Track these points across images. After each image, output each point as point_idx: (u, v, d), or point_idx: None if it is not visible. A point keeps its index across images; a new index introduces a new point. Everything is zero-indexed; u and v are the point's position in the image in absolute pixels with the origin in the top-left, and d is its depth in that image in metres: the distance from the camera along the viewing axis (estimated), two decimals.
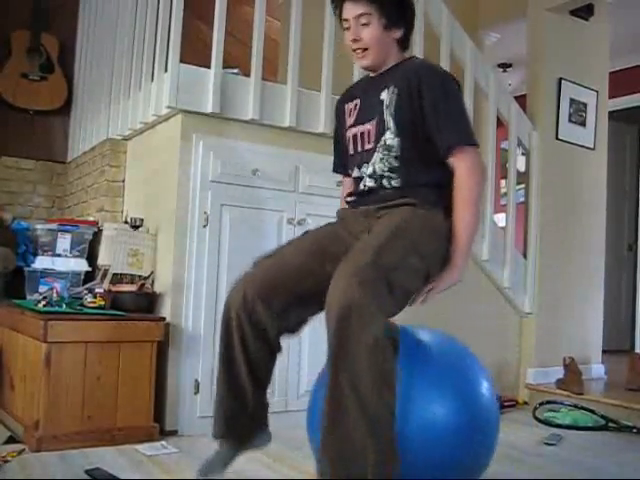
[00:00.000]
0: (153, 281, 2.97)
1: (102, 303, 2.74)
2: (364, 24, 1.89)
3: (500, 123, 3.93)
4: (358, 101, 2.02)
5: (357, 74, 3.33)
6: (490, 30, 4.94)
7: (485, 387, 1.84)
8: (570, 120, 4.13)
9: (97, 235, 3.38)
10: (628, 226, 6.16)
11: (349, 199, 2.06)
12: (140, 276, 2.94)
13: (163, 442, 2.62)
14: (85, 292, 2.84)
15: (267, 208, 3.02)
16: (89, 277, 3.26)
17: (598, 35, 4.30)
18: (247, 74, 3.05)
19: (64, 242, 3.33)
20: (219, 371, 1.85)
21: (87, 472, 2.19)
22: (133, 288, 2.87)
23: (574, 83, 4.13)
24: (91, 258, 3.33)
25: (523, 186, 4.11)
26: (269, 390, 1.93)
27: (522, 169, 4.23)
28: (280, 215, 3.06)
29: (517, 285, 3.87)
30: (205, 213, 2.87)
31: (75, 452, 2.43)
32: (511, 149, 3.98)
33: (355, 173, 2.00)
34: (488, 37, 5.03)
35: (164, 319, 2.79)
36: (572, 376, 3.62)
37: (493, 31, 4.96)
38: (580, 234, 4.15)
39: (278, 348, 1.86)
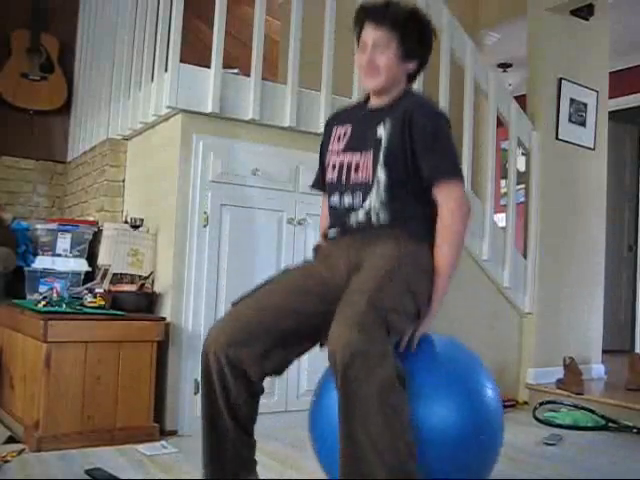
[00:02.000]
0: (153, 281, 2.97)
1: (102, 303, 2.74)
2: (382, 49, 1.86)
3: (500, 123, 3.92)
4: (349, 128, 1.96)
5: (357, 74, 3.34)
6: (490, 30, 4.94)
7: (490, 392, 1.83)
8: (570, 120, 4.12)
9: (97, 235, 3.38)
10: (628, 226, 6.15)
11: (330, 233, 1.96)
12: (140, 276, 2.94)
13: (163, 442, 2.62)
14: (85, 292, 2.84)
15: (267, 208, 3.02)
16: (89, 277, 3.26)
17: (598, 35, 4.30)
18: (247, 74, 3.05)
19: (64, 242, 3.33)
20: (202, 409, 1.77)
21: (87, 472, 2.19)
22: (133, 288, 2.87)
23: (574, 83, 4.12)
24: (91, 258, 3.33)
25: (523, 186, 4.11)
26: (266, 399, 1.90)
27: (522, 169, 4.23)
28: (280, 215, 3.06)
29: (517, 285, 3.86)
30: (205, 213, 2.87)
31: (75, 452, 2.43)
32: (511, 149, 3.98)
33: (335, 202, 1.93)
34: (488, 37, 5.02)
35: (164, 319, 2.79)
36: (572, 376, 3.62)
37: (493, 31, 4.96)
38: (580, 234, 4.14)
39: (261, 390, 1.79)
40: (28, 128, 4.32)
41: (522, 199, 4.13)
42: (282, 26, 4.66)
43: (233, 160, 2.95)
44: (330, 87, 3.23)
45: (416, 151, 1.81)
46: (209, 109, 2.89)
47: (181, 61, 2.86)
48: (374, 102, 1.96)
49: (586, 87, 4.20)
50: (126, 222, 3.11)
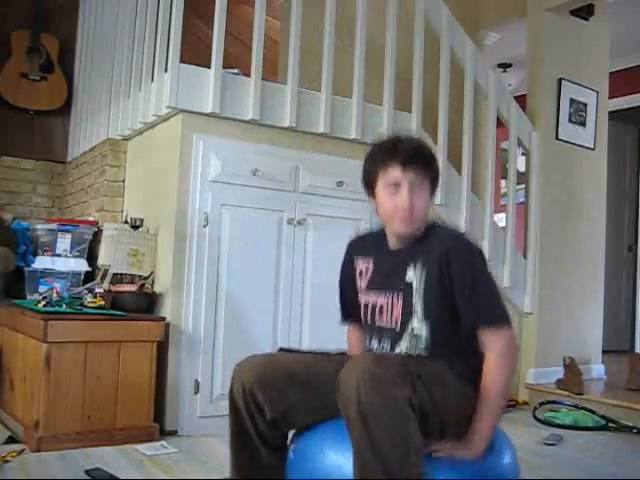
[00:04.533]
0: (153, 281, 2.97)
1: (102, 303, 2.74)
2: (418, 192, 1.68)
3: (500, 123, 3.92)
4: (371, 263, 1.81)
5: (357, 74, 3.34)
6: (490, 30, 4.93)
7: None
8: (570, 120, 4.12)
9: (97, 235, 3.38)
10: (628, 226, 6.15)
11: None
12: (140, 276, 2.94)
13: (163, 442, 2.62)
14: (85, 292, 2.84)
15: (267, 208, 3.02)
16: (89, 277, 3.26)
17: (598, 35, 4.30)
18: (247, 74, 3.05)
19: (64, 242, 3.33)
20: (230, 434, 1.72)
21: (87, 472, 2.19)
22: (133, 288, 2.87)
23: (574, 83, 4.13)
24: (91, 258, 3.33)
25: (523, 186, 4.11)
26: None
27: (522, 169, 4.23)
28: (280, 215, 3.06)
29: (517, 285, 3.86)
30: (205, 213, 2.87)
31: (75, 452, 2.43)
32: (511, 149, 3.98)
33: (368, 343, 1.81)
34: (488, 37, 5.02)
35: (164, 319, 2.79)
36: (572, 376, 3.62)
37: (493, 31, 4.96)
38: (580, 234, 4.14)
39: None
40: (28, 128, 4.32)
41: (522, 199, 4.13)
42: (282, 26, 4.66)
43: (233, 160, 2.95)
44: (330, 87, 3.23)
45: (455, 291, 1.64)
46: (209, 109, 2.89)
47: (181, 61, 2.86)
48: (391, 240, 1.79)
49: (586, 87, 4.20)
50: (126, 222, 3.11)
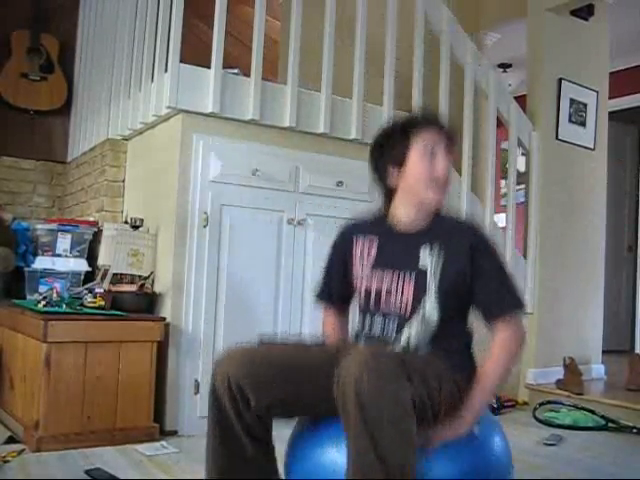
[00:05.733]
0: (153, 281, 2.97)
1: (102, 303, 2.74)
2: (450, 161, 1.70)
3: (500, 123, 3.92)
4: (375, 242, 1.76)
5: (357, 75, 3.34)
6: (490, 30, 4.93)
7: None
8: (570, 120, 4.12)
9: (97, 235, 3.38)
10: (628, 226, 6.15)
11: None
12: (140, 276, 2.94)
13: (163, 442, 2.62)
14: (85, 292, 2.84)
15: (267, 208, 3.02)
16: (89, 277, 3.26)
17: (598, 35, 4.30)
18: (247, 74, 3.05)
19: (64, 242, 3.33)
20: (211, 433, 1.65)
21: (87, 472, 2.19)
22: (133, 288, 2.87)
23: (574, 83, 4.12)
24: (91, 258, 3.33)
25: (523, 186, 4.11)
26: None
27: (522, 169, 4.23)
28: (280, 215, 3.06)
29: (517, 285, 3.86)
30: (205, 213, 2.87)
31: (75, 452, 2.43)
32: (511, 149, 3.98)
33: (367, 327, 1.74)
34: (488, 37, 5.02)
35: (164, 319, 2.79)
36: (572, 376, 3.62)
37: (493, 31, 4.96)
38: (580, 234, 4.14)
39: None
40: (28, 128, 4.32)
41: (522, 199, 4.13)
42: (282, 26, 4.66)
43: (233, 160, 2.95)
44: (330, 87, 3.23)
45: (474, 276, 1.67)
46: (209, 109, 2.89)
47: (181, 61, 2.86)
48: (403, 223, 1.74)
49: (586, 87, 4.20)
50: (126, 222, 3.11)
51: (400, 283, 1.69)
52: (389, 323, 1.70)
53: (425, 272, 1.67)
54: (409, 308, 1.67)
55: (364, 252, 1.77)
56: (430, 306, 1.66)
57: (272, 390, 1.62)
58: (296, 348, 1.75)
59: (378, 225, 1.79)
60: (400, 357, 1.53)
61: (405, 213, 1.73)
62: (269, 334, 1.80)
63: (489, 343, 1.71)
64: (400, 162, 1.70)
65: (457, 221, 1.77)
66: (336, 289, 1.87)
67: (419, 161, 1.68)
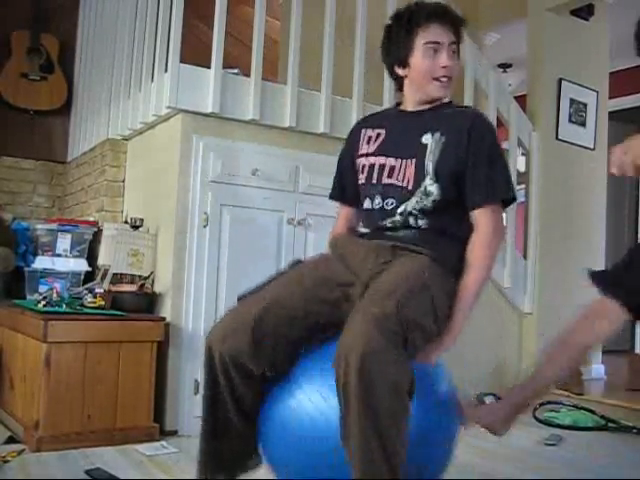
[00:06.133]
0: (153, 281, 2.97)
1: (102, 303, 2.74)
2: (455, 55, 1.76)
3: (500, 123, 3.92)
4: (383, 131, 1.85)
5: (357, 74, 3.34)
6: (490, 30, 4.94)
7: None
8: (570, 120, 4.13)
9: (97, 235, 3.38)
10: (628, 226, 6.16)
11: (362, 231, 1.91)
12: (140, 276, 2.94)
13: (163, 442, 2.62)
14: (85, 292, 2.84)
15: (267, 208, 3.02)
16: (89, 277, 3.26)
17: (598, 35, 4.30)
18: (247, 74, 3.05)
19: (64, 242, 3.33)
20: (204, 409, 1.72)
21: (87, 472, 2.19)
22: (133, 288, 2.87)
23: (574, 83, 4.13)
24: (91, 258, 3.33)
25: (523, 186, 4.11)
26: None
27: (522, 169, 4.23)
28: (280, 215, 3.06)
29: (517, 285, 3.86)
30: (205, 213, 2.87)
31: (75, 452, 2.43)
32: (511, 149, 3.98)
33: (367, 204, 1.83)
34: (488, 37, 5.03)
35: (164, 319, 2.79)
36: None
37: (493, 31, 4.97)
38: (580, 234, 4.15)
39: (266, 384, 1.72)
40: (28, 128, 4.32)
41: (522, 199, 4.13)
42: (282, 26, 4.66)
43: (233, 160, 2.95)
44: (330, 87, 3.23)
45: (469, 164, 1.71)
46: (209, 109, 2.89)
47: (181, 61, 2.86)
48: (411, 107, 1.85)
49: (586, 87, 4.20)
50: (126, 222, 3.11)
51: (403, 164, 1.77)
52: (390, 197, 1.77)
53: (425, 151, 1.74)
54: (410, 184, 1.75)
55: (372, 138, 1.86)
56: (429, 182, 1.73)
57: (266, 336, 1.63)
58: (273, 291, 1.75)
59: (387, 116, 1.91)
60: (398, 312, 1.49)
61: (411, 103, 1.83)
62: (245, 290, 1.80)
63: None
64: (404, 62, 1.79)
65: (464, 109, 1.86)
66: (348, 184, 1.95)
67: (421, 61, 1.75)
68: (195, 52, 3.07)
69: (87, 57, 4.20)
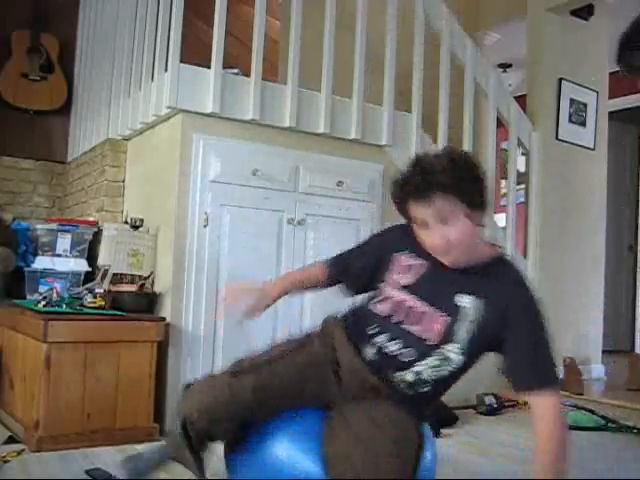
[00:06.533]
0: (153, 281, 2.97)
1: (102, 303, 2.74)
2: (450, 221, 1.53)
3: (500, 123, 3.93)
4: (425, 266, 1.65)
5: (357, 74, 3.34)
6: (490, 30, 4.94)
7: None
8: (570, 120, 4.13)
9: (97, 235, 3.38)
10: (628, 226, 6.16)
11: (366, 354, 1.67)
12: (140, 276, 2.94)
13: (163, 442, 2.61)
14: (85, 292, 2.84)
15: (267, 208, 3.02)
16: (89, 277, 3.26)
17: (598, 35, 4.30)
18: (247, 74, 3.05)
19: (64, 242, 3.33)
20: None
21: (87, 472, 2.18)
22: (133, 288, 2.87)
23: (574, 83, 4.13)
24: (91, 258, 3.33)
25: (523, 186, 4.11)
26: None
27: (522, 169, 4.23)
28: (280, 215, 3.06)
29: None
30: (205, 213, 2.87)
31: (75, 452, 2.43)
32: (511, 149, 3.98)
33: (382, 340, 1.64)
34: (488, 37, 5.03)
35: (164, 319, 2.79)
36: (572, 376, 3.62)
37: (493, 31, 4.97)
38: (580, 234, 4.15)
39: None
40: (28, 128, 4.32)
41: (522, 199, 4.14)
42: (282, 26, 4.66)
43: (233, 160, 2.95)
44: (330, 87, 3.23)
45: (511, 339, 1.59)
46: (209, 109, 2.89)
47: (181, 61, 2.87)
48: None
49: (586, 87, 4.21)
50: (126, 222, 3.11)
51: (432, 317, 1.61)
52: (409, 350, 1.61)
53: (462, 316, 1.59)
54: (432, 340, 1.59)
55: (408, 267, 1.68)
56: (455, 350, 1.60)
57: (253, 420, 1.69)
58: (271, 376, 1.71)
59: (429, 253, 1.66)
60: (397, 446, 1.52)
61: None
62: (241, 359, 1.81)
63: None
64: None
65: (509, 274, 1.66)
66: (345, 272, 1.82)
67: (419, 233, 1.62)
68: (195, 52, 3.07)
69: (87, 57, 4.20)
